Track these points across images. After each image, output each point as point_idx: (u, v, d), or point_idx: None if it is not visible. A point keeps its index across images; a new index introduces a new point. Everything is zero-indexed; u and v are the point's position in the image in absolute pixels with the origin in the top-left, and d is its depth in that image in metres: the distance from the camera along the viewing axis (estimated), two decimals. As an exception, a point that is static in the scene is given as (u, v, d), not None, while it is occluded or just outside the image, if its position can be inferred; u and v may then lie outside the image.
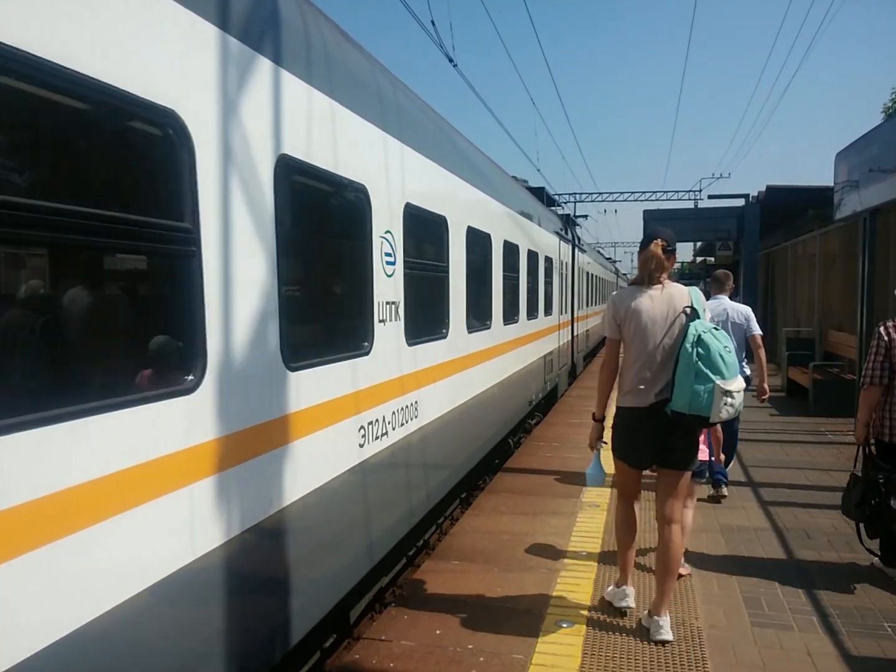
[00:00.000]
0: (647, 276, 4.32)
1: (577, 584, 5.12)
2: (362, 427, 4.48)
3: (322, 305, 4.38)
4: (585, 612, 4.65)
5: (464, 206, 6.82)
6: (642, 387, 4.22)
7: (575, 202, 36.88)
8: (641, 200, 38.27)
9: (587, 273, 20.67)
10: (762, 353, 6.77)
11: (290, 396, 3.56)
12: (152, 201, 2.76)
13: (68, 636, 2.23)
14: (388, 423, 4.93)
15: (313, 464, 3.84)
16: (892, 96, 25.40)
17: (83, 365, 2.56)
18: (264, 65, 3.33)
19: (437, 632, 4.44)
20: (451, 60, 9.96)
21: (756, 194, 21.87)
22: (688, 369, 3.96)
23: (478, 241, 7.37)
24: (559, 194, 35.34)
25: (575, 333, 16.61)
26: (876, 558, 5.30)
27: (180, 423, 2.74)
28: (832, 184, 12.07)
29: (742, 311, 6.95)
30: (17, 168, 2.26)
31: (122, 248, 2.66)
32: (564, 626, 4.47)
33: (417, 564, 5.75)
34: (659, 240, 4.34)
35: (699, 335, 3.98)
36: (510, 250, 9.03)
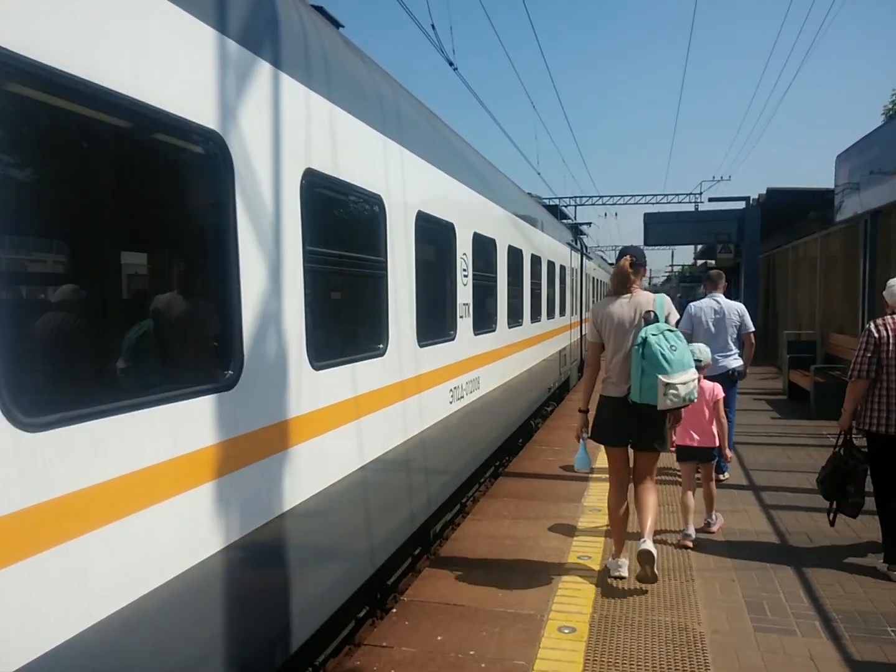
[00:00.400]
0: (618, 288, 5.10)
1: (578, 589, 5.10)
2: (451, 390, 6.53)
3: (438, 304, 6.35)
4: (587, 618, 4.63)
5: (505, 228, 8.77)
6: (615, 380, 5.06)
7: (575, 206, 36.90)
8: (642, 203, 38.26)
9: (593, 278, 23.39)
10: (752, 348, 7.59)
11: (419, 363, 5.62)
12: (198, 216, 3.13)
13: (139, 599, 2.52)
14: (465, 389, 7.02)
15: (441, 406, 6.23)
16: (892, 98, 25.42)
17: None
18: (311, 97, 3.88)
19: (439, 638, 4.43)
20: (451, 64, 9.96)
21: (757, 197, 21.85)
22: (636, 367, 4.75)
23: (511, 255, 9.10)
24: (560, 198, 35.43)
25: (583, 332, 18.46)
26: (880, 561, 5.31)
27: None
28: (833, 186, 12.07)
29: (737, 309, 7.53)
30: None
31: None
32: (566, 631, 4.46)
33: (419, 570, 5.74)
34: (628, 256, 5.09)
35: (645, 338, 4.70)
36: (535, 261, 10.86)
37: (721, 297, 7.56)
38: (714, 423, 5.90)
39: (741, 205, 21.97)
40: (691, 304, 7.87)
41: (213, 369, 3.09)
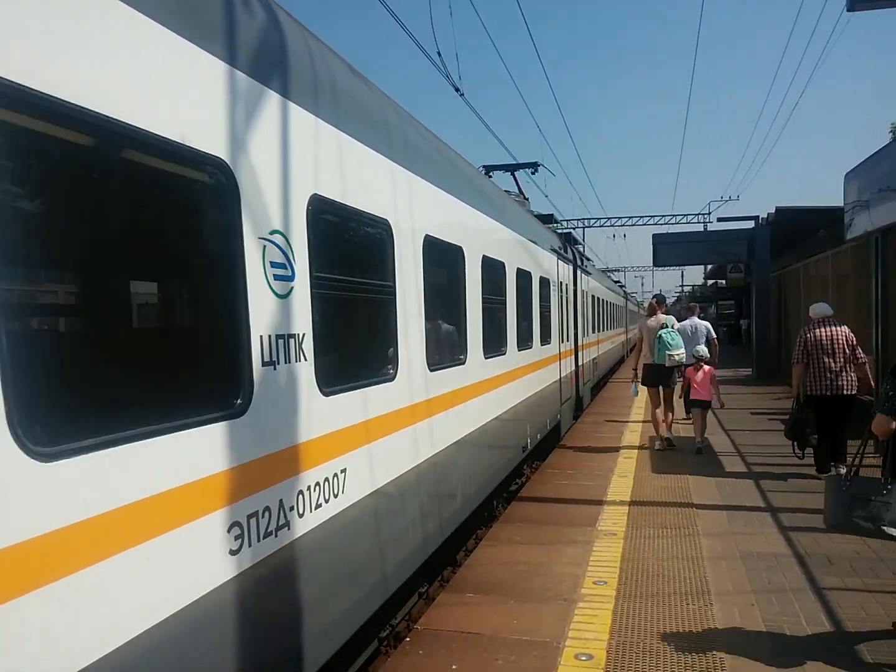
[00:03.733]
0: (649, 312, 11.32)
1: (595, 615, 5.02)
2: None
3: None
4: (605, 644, 4.56)
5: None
6: (648, 355, 10.73)
7: (584, 227, 36.99)
8: (650, 224, 38.34)
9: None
10: (716, 347, 12.84)
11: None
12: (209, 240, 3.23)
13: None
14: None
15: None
16: (899, 116, 25.42)
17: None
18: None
19: (454, 667, 4.36)
20: (457, 90, 10.07)
21: (766, 216, 21.81)
22: (659, 347, 10.38)
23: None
24: (568, 220, 35.50)
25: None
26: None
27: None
28: (842, 204, 12.03)
29: (705, 325, 13.10)
30: None
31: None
32: (584, 658, 4.38)
33: (432, 597, 5.67)
34: (654, 298, 11.46)
35: (660, 335, 10.41)
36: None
37: (695, 319, 13.20)
38: (710, 387, 10.43)
39: (750, 224, 21.93)
40: (680, 323, 12.16)
41: (222, 397, 3.09)
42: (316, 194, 3.82)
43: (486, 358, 7.30)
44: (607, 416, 14.68)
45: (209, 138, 2.91)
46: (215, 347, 3.21)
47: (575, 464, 10.09)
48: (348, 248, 4.63)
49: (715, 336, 12.35)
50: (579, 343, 15.59)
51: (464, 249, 6.56)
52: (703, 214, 36.14)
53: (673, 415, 11.09)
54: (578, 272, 15.84)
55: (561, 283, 13.10)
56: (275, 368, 3.34)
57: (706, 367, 10.36)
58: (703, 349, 10.87)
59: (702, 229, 34.05)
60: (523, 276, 9.26)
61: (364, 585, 4.38)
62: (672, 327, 10.58)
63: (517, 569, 6.01)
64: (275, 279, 3.38)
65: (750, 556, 6.09)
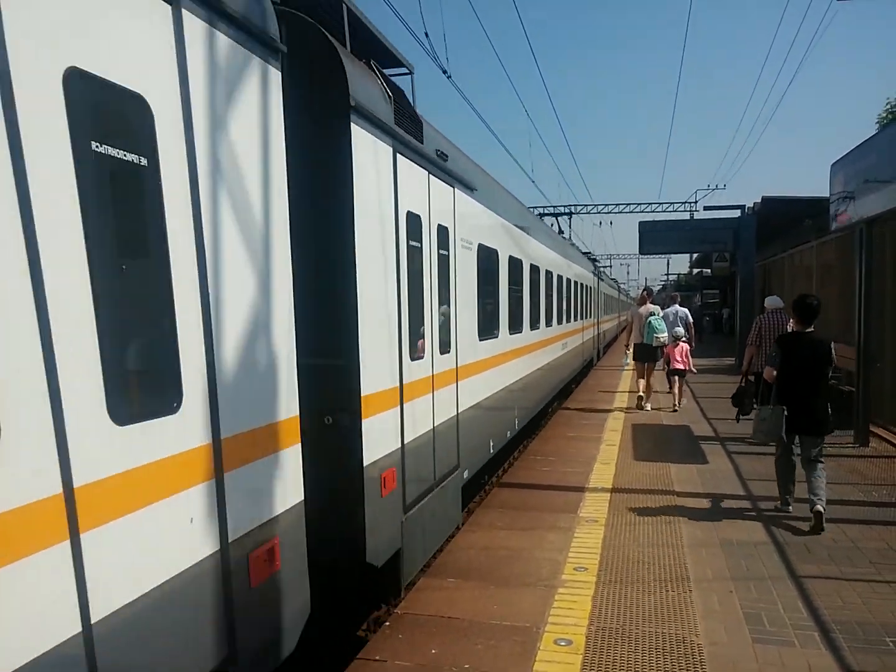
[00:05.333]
0: (639, 302, 14.22)
1: (575, 600, 5.04)
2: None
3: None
4: (584, 630, 4.58)
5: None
6: (638, 336, 13.60)
7: (570, 214, 36.89)
8: (637, 212, 38.30)
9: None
10: (692, 329, 14.65)
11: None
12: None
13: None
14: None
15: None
16: (886, 107, 25.49)
17: None
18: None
19: (433, 651, 4.36)
20: (444, 72, 9.97)
21: (752, 205, 21.84)
22: (648, 330, 13.22)
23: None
24: (555, 206, 35.50)
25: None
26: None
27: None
28: (828, 194, 12.07)
29: (685, 312, 14.59)
30: None
31: None
32: (563, 644, 4.40)
33: (413, 582, 5.67)
34: (645, 291, 14.43)
35: (650, 321, 13.25)
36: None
37: (676, 307, 14.68)
38: (683, 359, 13.27)
39: (736, 213, 21.96)
40: (664, 310, 14.44)
41: None
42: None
43: (572, 321, 17.46)
44: (591, 396, 14.81)
45: None
46: None
47: (558, 450, 10.10)
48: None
49: (691, 321, 14.81)
50: (599, 320, 26.42)
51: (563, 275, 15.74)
52: (690, 203, 36.07)
53: (651, 387, 14.10)
54: (599, 281, 26.83)
55: (591, 287, 22.94)
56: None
57: (683, 345, 13.40)
58: (681, 331, 13.59)
59: (688, 218, 34.05)
60: (580, 286, 19.16)
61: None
62: (658, 315, 13.53)
63: (498, 554, 6.02)
64: None
65: (729, 543, 6.13)
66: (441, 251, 6.22)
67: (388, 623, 4.83)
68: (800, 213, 19.82)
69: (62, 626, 2.20)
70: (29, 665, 2.08)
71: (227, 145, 3.08)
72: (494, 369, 8.43)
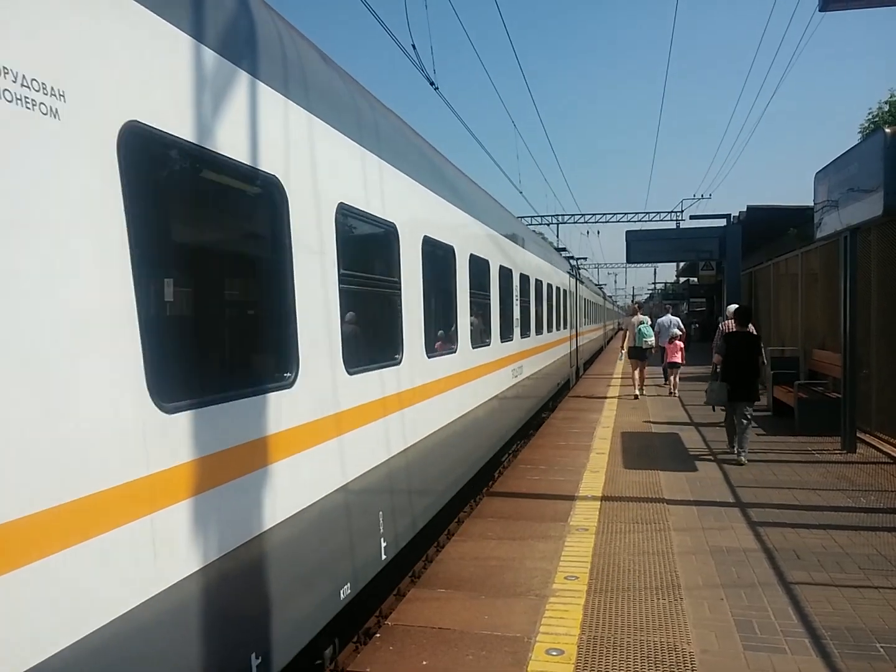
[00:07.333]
0: (630, 313, 18.49)
1: (566, 610, 5.02)
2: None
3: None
4: (576, 640, 4.56)
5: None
6: (630, 340, 17.27)
7: (557, 224, 37.06)
8: (624, 222, 38.58)
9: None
10: (684, 333, 17.99)
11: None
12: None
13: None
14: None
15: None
16: (868, 117, 25.78)
17: None
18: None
19: (424, 662, 4.33)
20: (432, 83, 10.00)
21: (737, 214, 22.00)
22: (638, 336, 16.98)
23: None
24: (542, 216, 35.62)
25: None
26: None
27: None
28: (812, 203, 12.18)
29: (675, 319, 18.22)
30: None
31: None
32: (554, 653, 4.37)
33: (402, 593, 5.64)
34: (636, 304, 19.46)
35: (640, 329, 16.97)
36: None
37: (669, 316, 18.48)
38: (678, 354, 17.09)
39: (722, 222, 22.11)
40: (658, 319, 18.57)
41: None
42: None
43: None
44: (580, 410, 14.80)
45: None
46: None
47: (548, 459, 10.09)
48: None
49: (682, 327, 18.26)
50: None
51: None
52: (676, 212, 36.42)
53: (643, 381, 17.35)
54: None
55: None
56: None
57: (678, 343, 17.26)
58: (677, 332, 17.66)
59: (674, 227, 34.27)
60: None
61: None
62: (647, 324, 17.13)
63: (488, 564, 5.99)
64: None
65: (719, 550, 6.14)
66: None
67: (378, 634, 4.80)
68: (785, 221, 20.00)
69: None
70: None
71: None
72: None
